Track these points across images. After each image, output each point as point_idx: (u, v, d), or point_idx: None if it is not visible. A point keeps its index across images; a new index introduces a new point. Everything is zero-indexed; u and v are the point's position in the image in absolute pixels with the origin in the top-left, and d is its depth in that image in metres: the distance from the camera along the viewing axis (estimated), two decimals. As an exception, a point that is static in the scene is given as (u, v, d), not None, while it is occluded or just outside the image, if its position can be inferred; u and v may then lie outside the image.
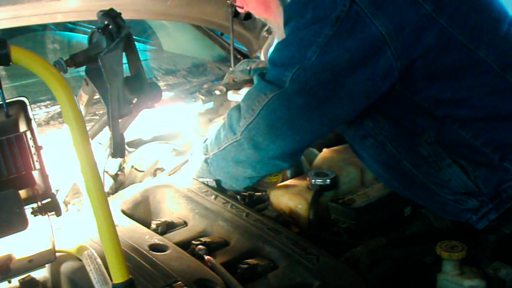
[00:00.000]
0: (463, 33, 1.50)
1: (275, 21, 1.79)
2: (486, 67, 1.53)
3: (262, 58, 2.62)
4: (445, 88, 1.53)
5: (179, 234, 1.56)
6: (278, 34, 1.82)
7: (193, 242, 1.49)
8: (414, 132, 1.57)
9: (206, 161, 1.75)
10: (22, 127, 1.19)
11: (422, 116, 1.56)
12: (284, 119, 1.55)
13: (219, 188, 1.76)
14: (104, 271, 1.25)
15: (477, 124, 1.54)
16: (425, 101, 1.54)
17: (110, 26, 1.36)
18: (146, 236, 1.48)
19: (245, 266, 1.38)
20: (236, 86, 2.08)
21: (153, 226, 1.58)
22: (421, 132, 1.56)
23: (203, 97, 2.06)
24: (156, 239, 1.48)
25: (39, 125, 2.00)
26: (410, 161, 1.60)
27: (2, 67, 1.83)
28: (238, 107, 1.65)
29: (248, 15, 2.42)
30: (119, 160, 2.00)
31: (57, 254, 1.29)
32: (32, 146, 1.17)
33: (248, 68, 2.09)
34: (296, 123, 1.55)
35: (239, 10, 1.87)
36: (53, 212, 1.23)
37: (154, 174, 2.04)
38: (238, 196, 1.75)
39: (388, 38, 1.45)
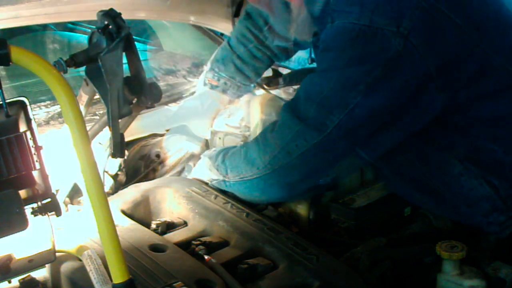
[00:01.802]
0: (501, 54, 1.48)
1: (298, 6, 1.64)
2: None
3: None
4: (483, 108, 1.50)
5: (179, 234, 1.55)
6: (296, 19, 1.67)
7: (193, 242, 1.49)
8: (444, 148, 1.55)
9: (225, 182, 1.71)
10: (22, 127, 1.18)
11: (454, 132, 1.53)
12: (324, 160, 1.51)
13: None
14: (104, 271, 1.25)
15: (509, 140, 1.53)
16: (462, 120, 1.52)
17: (110, 26, 1.36)
18: (146, 236, 1.48)
19: (245, 266, 1.38)
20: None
21: (153, 226, 1.58)
22: (451, 147, 1.54)
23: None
24: (156, 239, 1.48)
25: (39, 125, 1.99)
26: (440, 180, 1.57)
27: (2, 67, 1.83)
28: (263, 140, 1.58)
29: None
30: (119, 160, 2.00)
31: (57, 254, 1.28)
32: (32, 146, 1.17)
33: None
34: (335, 161, 1.53)
35: None
36: (53, 212, 1.23)
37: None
38: None
39: (435, 74, 1.41)
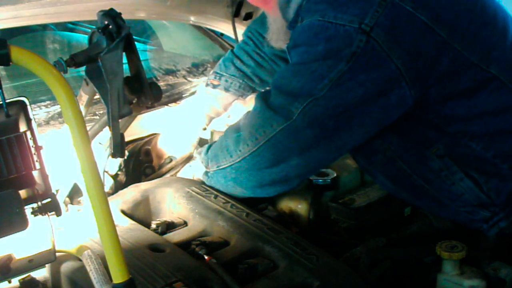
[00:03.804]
0: (475, 53, 1.48)
1: (273, 15, 1.74)
2: (498, 83, 1.52)
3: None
4: (458, 106, 1.51)
5: (179, 234, 1.55)
6: (272, 27, 1.78)
7: (193, 242, 1.49)
8: (423, 145, 1.56)
9: (206, 174, 1.73)
10: (22, 127, 1.19)
11: (431, 130, 1.54)
12: (290, 148, 1.53)
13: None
14: (104, 271, 1.25)
15: (487, 137, 1.53)
16: (437, 118, 1.52)
17: (110, 26, 1.36)
18: (146, 236, 1.48)
19: (245, 266, 1.38)
20: None
21: (153, 226, 1.58)
22: (430, 144, 1.54)
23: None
24: (156, 239, 1.48)
25: (39, 125, 1.99)
26: (422, 176, 1.59)
27: (2, 67, 1.83)
28: (237, 129, 1.62)
29: (248, 15, 2.43)
30: (119, 160, 2.00)
31: (57, 254, 1.28)
32: (32, 146, 1.17)
33: None
34: (303, 151, 1.53)
35: None
36: (53, 212, 1.23)
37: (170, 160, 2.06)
38: None
39: (403, 70, 1.42)
